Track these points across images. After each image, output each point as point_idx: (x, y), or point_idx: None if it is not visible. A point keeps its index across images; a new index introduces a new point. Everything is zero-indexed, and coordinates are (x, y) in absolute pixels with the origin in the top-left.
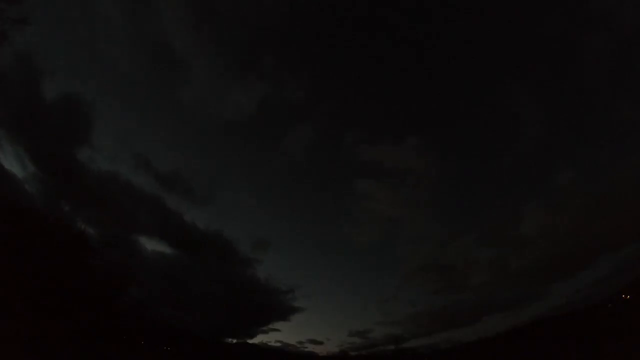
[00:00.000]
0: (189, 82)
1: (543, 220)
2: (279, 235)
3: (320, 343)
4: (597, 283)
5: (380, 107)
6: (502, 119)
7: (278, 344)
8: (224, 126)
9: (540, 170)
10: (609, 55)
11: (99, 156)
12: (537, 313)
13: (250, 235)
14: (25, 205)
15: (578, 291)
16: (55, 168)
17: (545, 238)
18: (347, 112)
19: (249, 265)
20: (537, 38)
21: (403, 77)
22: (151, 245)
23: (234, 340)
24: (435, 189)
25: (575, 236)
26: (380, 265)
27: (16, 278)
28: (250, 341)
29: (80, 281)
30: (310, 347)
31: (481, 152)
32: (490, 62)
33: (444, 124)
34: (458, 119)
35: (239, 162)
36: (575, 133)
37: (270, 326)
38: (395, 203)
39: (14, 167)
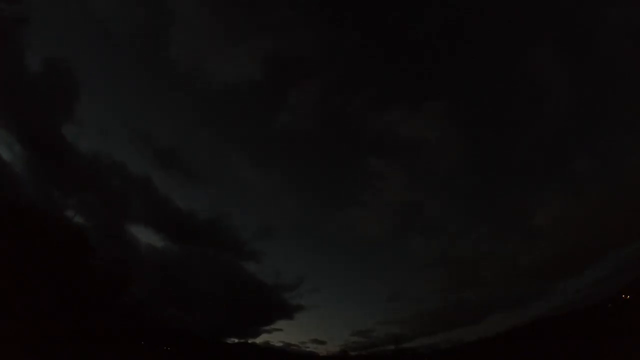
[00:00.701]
0: (184, 44)
1: (557, 211)
2: (282, 222)
3: (323, 343)
4: (597, 283)
5: (396, 69)
6: (525, 90)
7: (280, 344)
8: (224, 93)
9: (560, 153)
10: None
11: (88, 133)
12: (537, 313)
13: (252, 223)
14: (19, 198)
15: (578, 291)
16: (43, 149)
17: (556, 231)
18: (358, 73)
19: (251, 257)
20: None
21: (423, 38)
22: (146, 236)
23: (235, 340)
24: (452, 169)
25: (585, 231)
26: (389, 258)
27: (16, 278)
28: (251, 341)
29: (80, 281)
30: (313, 347)
31: (501, 126)
32: (516, 28)
33: (464, 91)
34: (479, 87)
35: (240, 136)
36: (599, 116)
37: (273, 326)
38: (408, 185)
39: (3, 151)
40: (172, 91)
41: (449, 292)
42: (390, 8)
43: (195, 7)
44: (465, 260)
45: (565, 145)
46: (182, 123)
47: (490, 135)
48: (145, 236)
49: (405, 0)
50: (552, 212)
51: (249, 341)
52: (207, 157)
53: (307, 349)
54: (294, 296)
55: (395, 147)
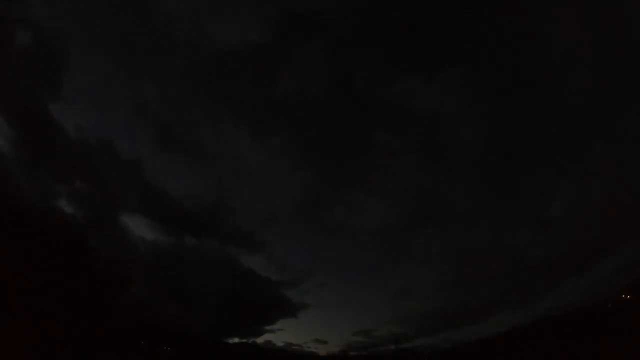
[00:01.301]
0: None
1: (573, 202)
2: (286, 208)
3: (324, 342)
4: (597, 283)
5: (412, 32)
6: (548, 60)
7: (281, 344)
8: (224, 60)
9: (579, 137)
10: None
11: (78, 110)
12: (537, 313)
13: (255, 210)
14: (9, 187)
15: (578, 291)
16: (30, 129)
17: (570, 223)
18: (370, 35)
19: (253, 248)
20: None
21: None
22: (142, 228)
23: (235, 340)
24: (468, 149)
25: (595, 226)
26: (397, 251)
27: (16, 278)
28: (251, 341)
29: (80, 281)
30: (314, 347)
31: (521, 100)
32: None
33: (483, 59)
34: (500, 53)
35: (240, 106)
36: (623, 97)
37: (275, 325)
38: (421, 166)
39: None
40: (168, 58)
41: (455, 289)
42: None
43: None
44: (473, 255)
45: (584, 129)
46: (178, 93)
47: (509, 110)
48: (141, 228)
49: None
50: (567, 203)
51: (250, 341)
52: (205, 132)
53: (308, 349)
54: (298, 293)
55: (409, 120)
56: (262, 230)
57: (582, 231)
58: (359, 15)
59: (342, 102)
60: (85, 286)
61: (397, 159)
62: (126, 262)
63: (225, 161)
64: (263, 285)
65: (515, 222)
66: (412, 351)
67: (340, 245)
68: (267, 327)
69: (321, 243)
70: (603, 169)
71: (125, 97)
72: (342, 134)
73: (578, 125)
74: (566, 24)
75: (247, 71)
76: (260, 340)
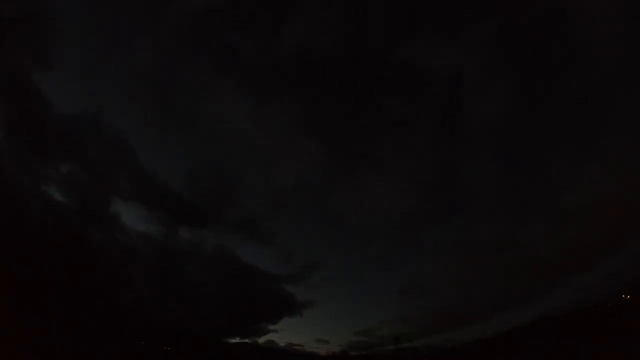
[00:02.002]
0: None
1: (590, 192)
2: (289, 191)
3: (326, 342)
4: (597, 283)
5: None
6: (574, 34)
7: (283, 344)
8: (221, 13)
9: (599, 121)
10: None
11: (64, 80)
12: (537, 313)
13: (256, 193)
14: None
15: (578, 291)
16: (16, 104)
17: (585, 216)
18: None
19: (256, 238)
20: None
21: None
22: (134, 217)
23: (235, 340)
24: (486, 125)
25: (604, 221)
26: (406, 242)
27: (16, 278)
28: (252, 341)
29: (80, 281)
30: (315, 347)
31: (544, 74)
32: None
33: (509, 18)
34: (524, 12)
35: (238, 67)
36: None
37: (277, 325)
38: (436, 143)
39: None
40: (160, 15)
41: (461, 286)
42: None
43: None
44: (483, 248)
45: (606, 118)
46: (171, 55)
47: (532, 81)
48: (135, 219)
49: None
50: (585, 193)
51: (250, 341)
52: (203, 102)
53: (309, 349)
54: (303, 289)
55: (425, 84)
56: (266, 217)
57: (596, 224)
58: None
59: (353, 63)
60: (86, 286)
61: (411, 130)
62: (122, 258)
63: (224, 134)
64: (266, 281)
65: (530, 212)
66: (412, 351)
67: (347, 236)
68: (270, 327)
69: (328, 233)
70: (620, 156)
71: (116, 64)
72: (352, 100)
73: (600, 113)
74: None
75: (250, 28)
76: (261, 340)
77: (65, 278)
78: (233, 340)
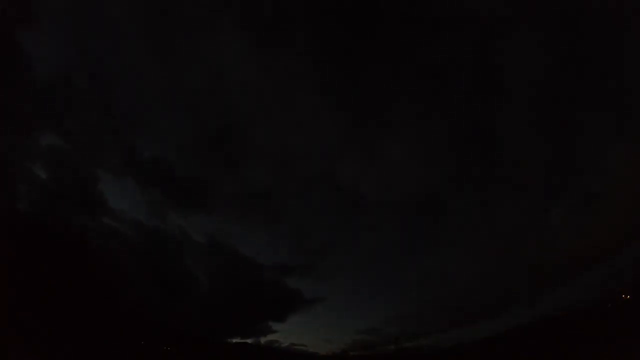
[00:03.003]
0: None
1: (620, 176)
2: (296, 155)
3: (329, 341)
4: (597, 283)
5: None
6: None
7: (285, 344)
8: None
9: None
10: None
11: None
12: (537, 313)
13: (258, 160)
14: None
15: (578, 291)
16: None
17: (609, 201)
18: None
19: (262, 219)
20: None
21: None
22: (121, 198)
23: (238, 339)
24: (525, 85)
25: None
26: (423, 228)
27: (16, 278)
28: (253, 341)
29: (80, 281)
30: (318, 346)
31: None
32: None
33: None
34: None
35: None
36: None
37: (281, 325)
38: (468, 99)
39: None
40: None
41: (477, 281)
42: None
43: None
44: (506, 237)
45: None
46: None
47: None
48: (122, 200)
49: None
50: (609, 179)
51: (252, 341)
52: (199, 45)
53: (310, 349)
54: (311, 281)
55: (454, 28)
56: (274, 190)
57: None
58: None
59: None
60: (85, 286)
61: (436, 87)
62: (113, 249)
63: (226, 87)
64: (270, 274)
65: (555, 192)
66: (413, 351)
67: (361, 214)
68: (274, 326)
69: (339, 211)
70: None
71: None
72: (367, 49)
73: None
74: None
75: None
76: (264, 339)
77: (66, 278)
78: (234, 340)
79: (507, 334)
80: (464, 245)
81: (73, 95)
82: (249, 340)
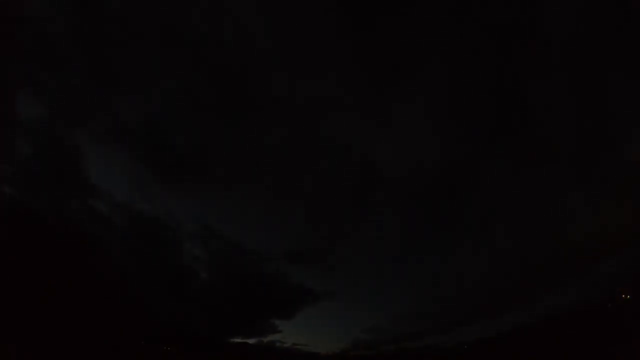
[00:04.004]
0: None
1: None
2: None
3: (329, 341)
4: (597, 283)
5: None
6: None
7: (286, 344)
8: None
9: None
10: None
11: None
12: (537, 313)
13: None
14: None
15: (578, 291)
16: None
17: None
18: None
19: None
20: None
21: None
22: (109, 179)
23: (236, 340)
24: (560, 41)
25: None
26: (440, 215)
27: (16, 278)
28: (253, 341)
29: (80, 281)
30: (317, 346)
31: None
32: None
33: None
34: None
35: None
36: None
37: (285, 324)
38: (492, 66)
39: None
40: None
41: (486, 277)
42: None
43: None
44: (515, 227)
45: None
46: None
47: None
48: (111, 178)
49: None
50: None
51: (253, 341)
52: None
53: (311, 349)
54: (320, 272)
55: None
56: (280, 158)
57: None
58: None
59: None
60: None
61: (459, 48)
62: (104, 242)
63: (225, 31)
64: (274, 264)
65: (580, 174)
66: (413, 351)
67: (376, 191)
68: (279, 323)
69: (352, 187)
70: None
71: None
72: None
73: None
74: None
75: None
76: (266, 339)
77: (66, 278)
78: (235, 340)
79: (507, 334)
80: (475, 238)
81: (56, 54)
82: (249, 340)
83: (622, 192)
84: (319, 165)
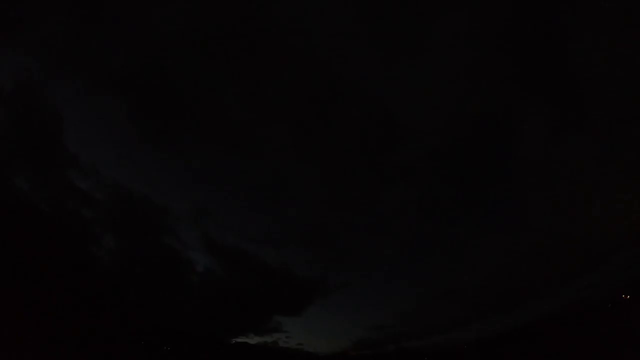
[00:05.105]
0: None
1: None
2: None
3: (330, 341)
4: (597, 283)
5: None
6: None
7: (287, 344)
8: None
9: None
10: None
11: None
12: (537, 313)
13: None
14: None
15: (578, 291)
16: None
17: None
18: None
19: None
20: None
21: None
22: (91, 151)
23: (236, 340)
24: None
25: None
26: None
27: (16, 278)
28: (254, 341)
29: (80, 280)
30: (317, 346)
31: None
32: None
33: None
34: None
35: None
36: None
37: (289, 321)
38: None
39: None
40: None
41: (493, 276)
42: None
43: None
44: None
45: None
46: None
47: None
48: (93, 149)
49: None
50: None
51: (252, 341)
52: None
53: (310, 349)
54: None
55: None
56: (288, 113)
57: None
58: None
59: None
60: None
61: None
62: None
63: None
64: (278, 256)
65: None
66: (413, 351)
67: (392, 169)
68: (283, 321)
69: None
70: None
71: None
72: None
73: None
74: None
75: None
76: (266, 339)
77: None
78: (235, 340)
79: (507, 334)
80: (490, 231)
81: None
82: (250, 340)
83: None
84: (339, 118)
